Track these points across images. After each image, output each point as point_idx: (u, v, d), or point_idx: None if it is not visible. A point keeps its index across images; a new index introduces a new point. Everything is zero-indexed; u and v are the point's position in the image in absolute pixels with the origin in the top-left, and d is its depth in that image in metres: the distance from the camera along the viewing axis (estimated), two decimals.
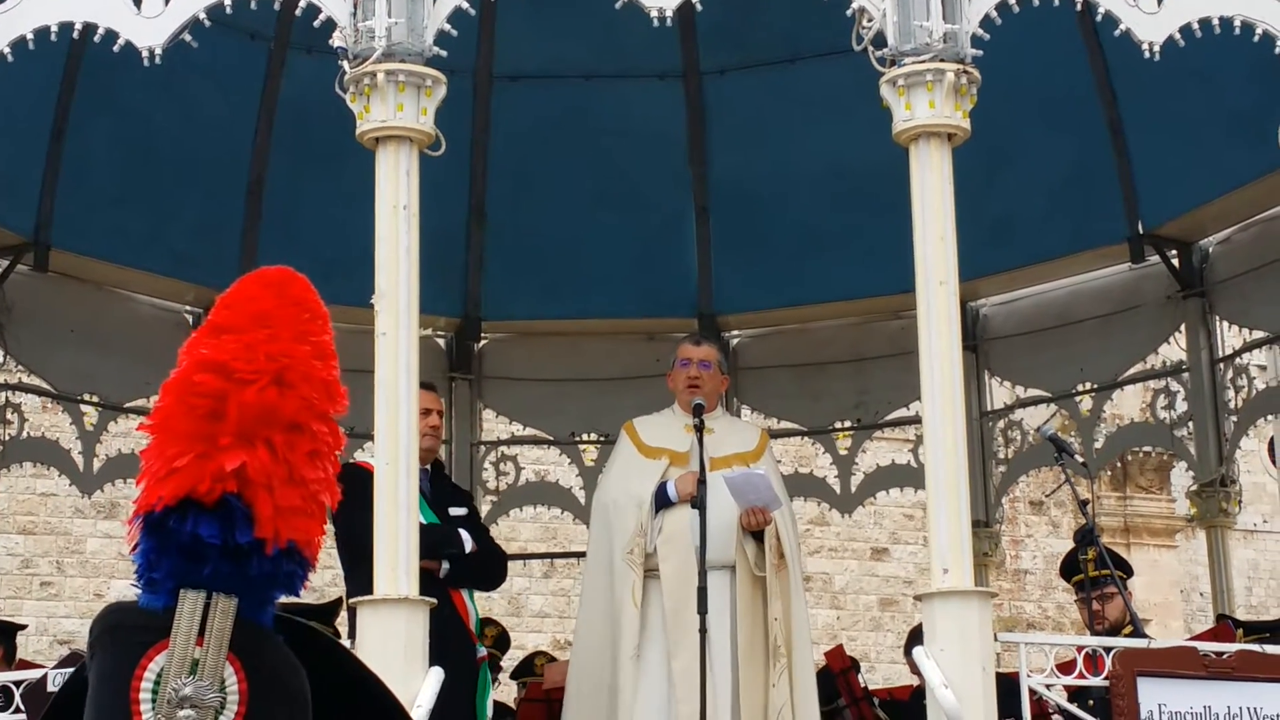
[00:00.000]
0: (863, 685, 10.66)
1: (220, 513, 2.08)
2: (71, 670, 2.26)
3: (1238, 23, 7.67)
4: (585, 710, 8.08)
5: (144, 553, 2.10)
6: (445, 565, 8.14)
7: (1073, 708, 7.85)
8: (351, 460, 9.08)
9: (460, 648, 8.07)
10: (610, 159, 11.45)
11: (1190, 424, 11.02)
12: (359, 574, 7.40)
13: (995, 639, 7.37)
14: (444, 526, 8.27)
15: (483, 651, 8.45)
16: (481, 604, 8.61)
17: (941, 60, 7.38)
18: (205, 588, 2.08)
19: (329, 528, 7.63)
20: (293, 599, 2.28)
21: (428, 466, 8.51)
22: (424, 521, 8.02)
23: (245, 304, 2.17)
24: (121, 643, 2.10)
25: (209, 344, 2.14)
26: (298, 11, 7.56)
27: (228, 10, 7.56)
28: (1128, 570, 9.77)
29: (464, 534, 8.31)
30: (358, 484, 7.29)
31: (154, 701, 2.05)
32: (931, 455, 7.28)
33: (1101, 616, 9.30)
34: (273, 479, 2.10)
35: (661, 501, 8.08)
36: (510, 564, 9.17)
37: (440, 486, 8.63)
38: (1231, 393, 10.81)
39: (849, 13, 7.54)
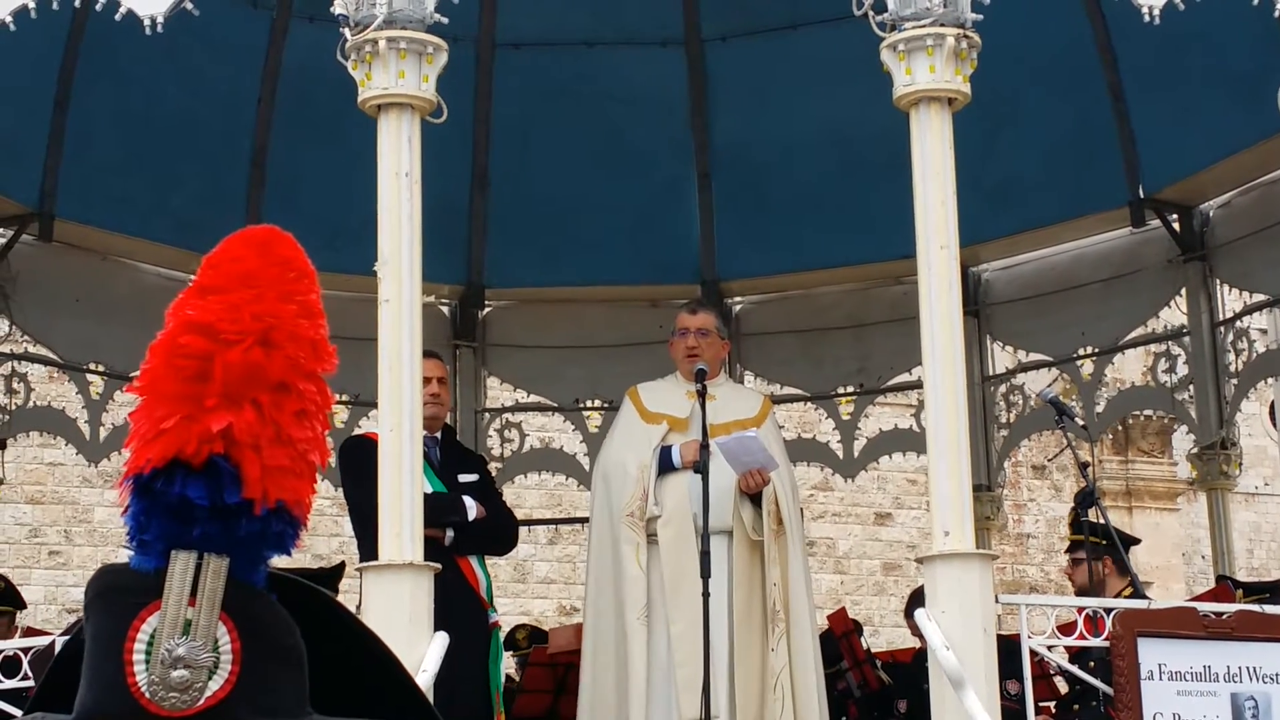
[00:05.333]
0: (865, 648, 10.72)
1: (208, 474, 2.09)
2: (69, 637, 2.29)
3: None
4: (600, 672, 8.11)
5: (134, 515, 2.12)
6: (449, 533, 8.17)
7: (1074, 668, 7.90)
8: (361, 433, 9.09)
9: (470, 614, 8.09)
10: (612, 126, 11.46)
11: (1191, 387, 11.04)
12: (373, 546, 7.39)
13: (996, 601, 7.41)
14: (448, 495, 8.29)
15: (494, 617, 8.47)
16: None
17: (942, 25, 7.38)
18: (196, 549, 2.10)
19: (338, 495, 7.64)
20: (299, 565, 2.30)
21: (437, 434, 8.53)
22: (429, 490, 8.05)
23: (230, 264, 2.18)
24: (114, 604, 2.12)
25: (194, 305, 2.15)
26: None
27: None
28: (1121, 539, 9.60)
29: (468, 501, 8.33)
30: (367, 457, 7.32)
31: (147, 662, 2.07)
32: (933, 419, 7.30)
33: (1073, 580, 9.33)
34: (260, 439, 2.11)
35: (665, 465, 8.10)
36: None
37: (450, 453, 8.64)
38: (1232, 356, 10.83)
39: None
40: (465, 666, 7.83)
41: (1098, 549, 9.17)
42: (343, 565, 9.98)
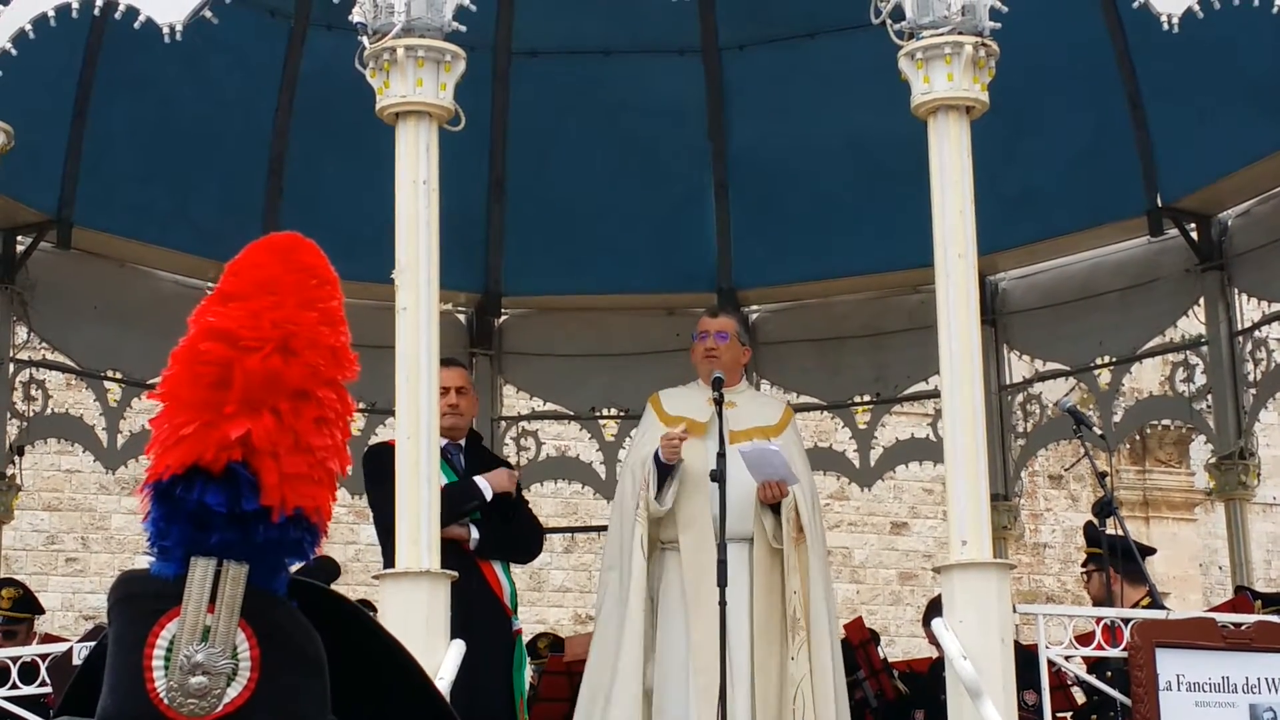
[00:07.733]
0: (882, 657, 10.69)
1: (226, 481, 2.10)
2: (95, 643, 2.29)
3: None
4: (601, 655, 8.10)
5: (154, 521, 2.13)
6: (474, 535, 8.15)
7: (1091, 679, 7.88)
8: (385, 440, 9.08)
9: (493, 621, 8.07)
10: (629, 134, 11.46)
11: (1209, 397, 11.02)
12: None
13: (1014, 610, 7.39)
14: (459, 481, 8.25)
15: (518, 625, 8.46)
16: None
17: (960, 33, 7.37)
18: (215, 555, 2.10)
19: (359, 504, 7.64)
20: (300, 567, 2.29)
21: (461, 442, 8.51)
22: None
23: (251, 271, 2.19)
24: (134, 610, 2.12)
25: (215, 311, 2.16)
26: None
27: None
28: (1135, 548, 9.57)
29: (480, 481, 8.29)
30: (390, 464, 7.32)
31: (167, 668, 2.08)
32: (950, 429, 7.29)
33: (1088, 590, 9.30)
34: (278, 446, 2.11)
35: (662, 469, 8.10)
36: None
37: (476, 460, 8.62)
38: (1250, 365, 10.81)
39: None
40: (488, 674, 7.83)
41: (1104, 560, 9.14)
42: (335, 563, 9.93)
